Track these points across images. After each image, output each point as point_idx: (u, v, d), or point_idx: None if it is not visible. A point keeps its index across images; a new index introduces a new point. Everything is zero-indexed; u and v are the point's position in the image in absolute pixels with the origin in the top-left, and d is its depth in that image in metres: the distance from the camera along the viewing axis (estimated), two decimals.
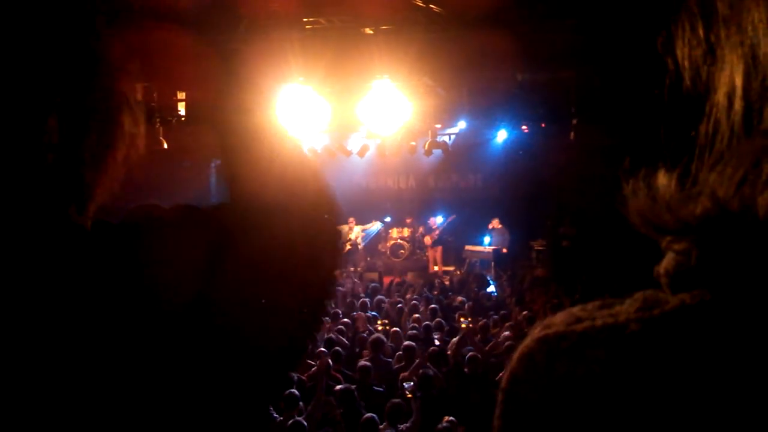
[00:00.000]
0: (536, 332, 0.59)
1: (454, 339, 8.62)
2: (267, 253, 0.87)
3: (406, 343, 8.12)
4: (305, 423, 5.72)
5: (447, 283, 14.52)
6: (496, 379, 7.03)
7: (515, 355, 0.59)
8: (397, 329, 9.22)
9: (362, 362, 7.38)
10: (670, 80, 0.60)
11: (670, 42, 0.59)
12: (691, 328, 0.53)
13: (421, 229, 18.09)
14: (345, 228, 17.41)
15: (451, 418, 5.71)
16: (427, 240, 17.41)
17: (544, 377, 0.55)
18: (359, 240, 17.50)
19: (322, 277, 0.96)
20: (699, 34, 0.57)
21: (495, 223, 16.84)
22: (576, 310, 0.59)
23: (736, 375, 0.49)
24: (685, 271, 0.57)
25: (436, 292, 12.62)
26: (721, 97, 0.56)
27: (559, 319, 0.59)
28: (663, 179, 0.58)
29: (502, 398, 0.59)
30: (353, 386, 6.60)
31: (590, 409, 0.52)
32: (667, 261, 0.60)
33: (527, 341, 0.59)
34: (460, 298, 11.69)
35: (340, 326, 9.32)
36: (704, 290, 0.54)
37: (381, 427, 5.84)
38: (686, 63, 0.59)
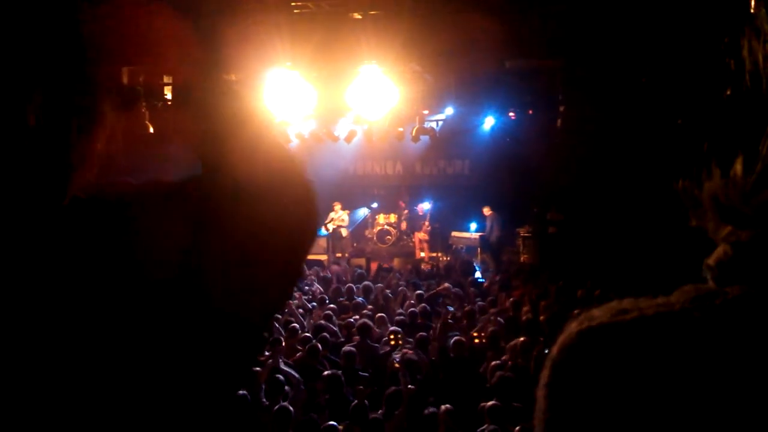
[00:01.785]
0: (575, 326, 0.59)
1: (440, 324, 8.66)
2: (247, 231, 0.88)
3: (392, 328, 8.15)
4: (291, 408, 5.74)
5: (433, 268, 14.56)
6: (481, 370, 7.09)
7: (554, 350, 0.59)
8: (383, 315, 9.25)
9: (346, 347, 7.40)
10: (733, 80, 0.62)
11: (735, 46, 0.62)
12: (755, 316, 0.53)
13: (406, 212, 18.05)
14: (330, 214, 17.40)
15: (448, 406, 5.74)
16: (422, 236, 17.33)
17: (595, 368, 0.55)
18: (344, 225, 17.44)
19: (296, 257, 0.97)
20: (763, 39, 0.60)
21: (486, 210, 16.92)
22: (614, 304, 0.59)
23: None
24: (739, 262, 0.58)
25: (421, 279, 12.66)
26: None
27: (599, 313, 0.59)
28: (740, 168, 0.59)
29: (546, 393, 0.58)
30: (340, 372, 6.63)
31: (651, 395, 0.52)
32: (721, 252, 0.61)
33: (567, 335, 0.59)
34: (446, 285, 11.73)
35: (327, 312, 9.34)
36: (762, 281, 0.55)
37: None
38: (750, 64, 0.61)
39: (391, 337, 7.89)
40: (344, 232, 17.38)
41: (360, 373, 7.02)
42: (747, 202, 0.58)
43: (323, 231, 17.51)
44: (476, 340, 7.99)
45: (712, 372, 0.51)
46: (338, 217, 17.28)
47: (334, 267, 13.86)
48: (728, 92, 0.62)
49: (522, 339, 7.44)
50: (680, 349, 0.53)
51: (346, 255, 16.69)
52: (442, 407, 5.71)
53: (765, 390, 0.50)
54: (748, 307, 0.54)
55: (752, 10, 0.60)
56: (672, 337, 0.54)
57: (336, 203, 17.41)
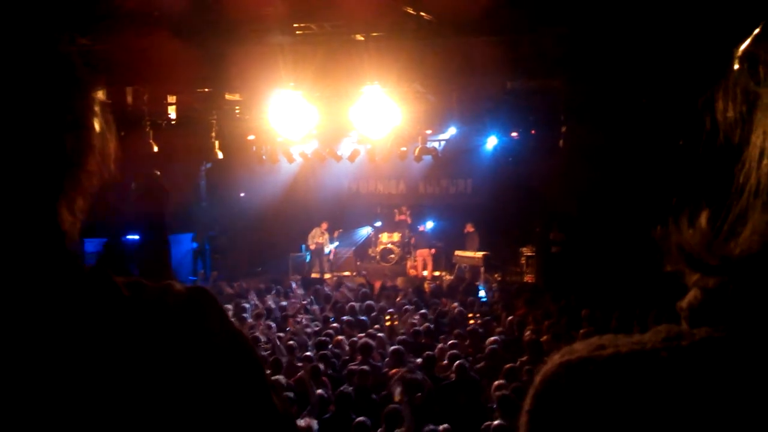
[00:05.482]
0: (557, 358, 0.63)
1: (441, 345, 8.65)
2: None
3: (394, 347, 8.13)
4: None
5: (430, 287, 14.52)
6: (494, 387, 7.05)
7: (538, 379, 0.63)
8: (382, 335, 9.22)
9: (354, 366, 7.37)
10: (707, 133, 0.67)
11: (711, 102, 0.66)
12: (718, 358, 0.57)
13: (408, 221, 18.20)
14: (317, 231, 17.46)
15: (446, 426, 5.71)
16: (423, 252, 17.42)
17: (571, 399, 0.59)
18: (323, 242, 17.48)
19: None
20: (738, 99, 0.64)
21: (469, 227, 17.04)
22: (595, 339, 0.63)
23: (760, 405, 0.54)
24: (707, 306, 0.63)
25: (414, 299, 12.55)
26: (753, 152, 0.63)
27: (580, 347, 0.63)
28: (705, 219, 0.63)
29: (526, 419, 0.63)
30: (351, 389, 6.61)
31: (618, 427, 0.56)
32: (692, 296, 0.65)
33: (549, 366, 0.63)
34: (453, 304, 11.71)
35: (329, 330, 9.33)
36: (727, 325, 0.59)
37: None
38: (724, 121, 0.65)
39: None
40: (325, 249, 17.44)
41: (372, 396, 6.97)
42: (712, 253, 0.62)
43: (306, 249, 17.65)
44: (477, 365, 7.96)
45: (675, 408, 0.55)
46: (318, 234, 17.40)
47: (342, 290, 13.80)
48: (701, 145, 0.67)
49: (525, 358, 7.42)
50: (648, 386, 0.57)
51: (334, 274, 16.88)
52: (441, 427, 5.68)
53: (719, 426, 0.54)
54: (710, 349, 0.58)
55: (735, 66, 0.63)
56: (641, 374, 0.58)
57: (323, 223, 17.51)
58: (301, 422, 5.73)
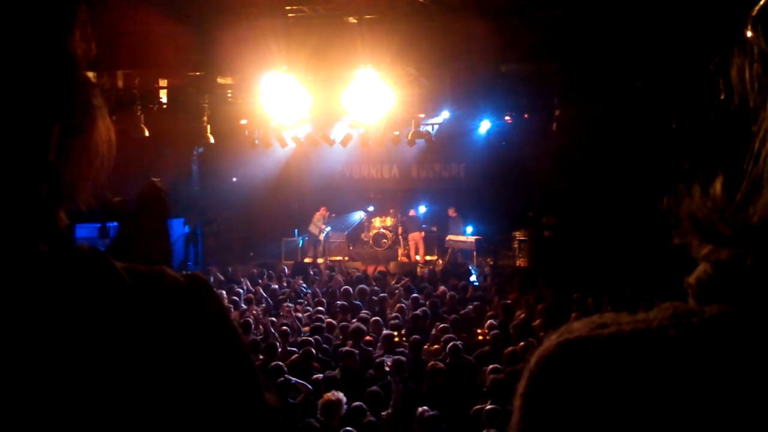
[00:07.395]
0: (554, 337, 0.59)
1: (435, 330, 8.67)
2: None
3: (386, 332, 8.15)
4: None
5: (423, 272, 14.55)
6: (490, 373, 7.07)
7: (533, 360, 0.59)
8: (378, 318, 9.24)
9: (345, 349, 7.40)
10: (720, 97, 0.63)
11: (724, 64, 0.62)
12: (733, 335, 0.54)
13: (400, 217, 18.17)
14: (319, 216, 17.41)
15: (425, 408, 5.75)
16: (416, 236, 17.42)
17: (568, 381, 0.56)
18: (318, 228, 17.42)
19: None
20: (754, 61, 0.60)
21: (451, 212, 17.07)
22: (595, 318, 0.59)
23: None
24: (718, 281, 0.59)
25: (406, 281, 12.60)
26: None
27: (579, 326, 0.59)
28: (719, 186, 0.59)
29: (521, 402, 0.59)
30: (338, 374, 6.63)
31: (622, 411, 0.53)
32: (701, 271, 0.61)
33: (546, 346, 0.59)
34: (442, 288, 11.74)
35: (322, 315, 9.34)
36: (742, 300, 0.56)
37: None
38: (739, 84, 0.61)
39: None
40: (316, 232, 17.36)
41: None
42: (726, 222, 0.58)
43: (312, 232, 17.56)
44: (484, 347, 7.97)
45: (684, 390, 0.52)
46: (321, 219, 17.35)
47: (337, 276, 13.80)
48: (715, 110, 0.62)
49: (522, 344, 7.45)
50: (654, 366, 0.53)
51: (328, 259, 16.82)
52: (420, 409, 5.73)
53: (734, 410, 0.51)
54: (723, 327, 0.54)
55: (747, 31, 0.60)
56: (646, 354, 0.54)
57: (322, 208, 17.42)
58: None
